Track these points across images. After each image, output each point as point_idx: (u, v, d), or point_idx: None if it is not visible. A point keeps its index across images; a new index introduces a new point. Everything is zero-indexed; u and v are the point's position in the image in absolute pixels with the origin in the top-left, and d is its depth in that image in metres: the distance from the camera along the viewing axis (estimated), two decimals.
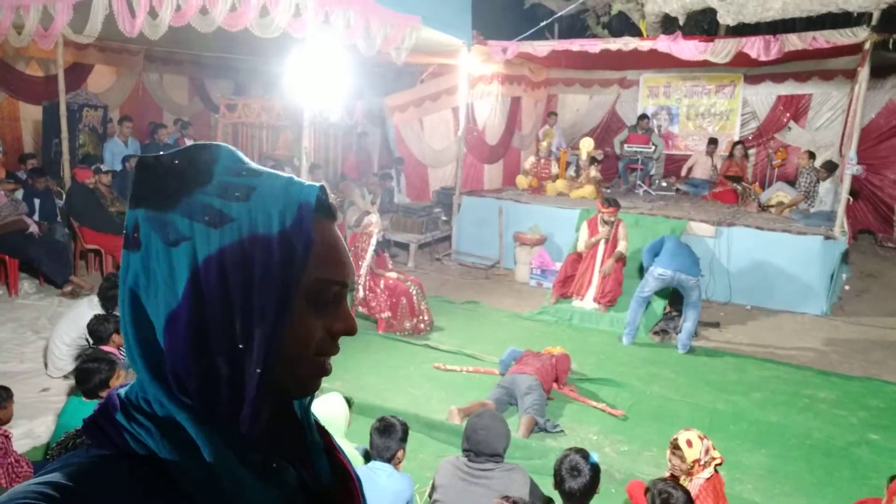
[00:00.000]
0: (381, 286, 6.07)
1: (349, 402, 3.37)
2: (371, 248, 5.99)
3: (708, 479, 2.98)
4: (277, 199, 0.63)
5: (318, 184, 0.69)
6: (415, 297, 6.04)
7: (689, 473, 3.01)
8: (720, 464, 3.03)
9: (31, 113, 9.36)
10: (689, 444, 3.01)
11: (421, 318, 6.07)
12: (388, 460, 2.92)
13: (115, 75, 10.75)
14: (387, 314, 6.02)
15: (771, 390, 5.16)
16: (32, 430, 4.05)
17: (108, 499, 0.57)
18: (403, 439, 2.95)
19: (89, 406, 3.38)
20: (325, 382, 4.67)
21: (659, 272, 5.98)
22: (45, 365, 4.83)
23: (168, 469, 0.61)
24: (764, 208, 8.63)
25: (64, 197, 7.18)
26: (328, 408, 3.11)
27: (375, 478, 2.80)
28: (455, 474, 2.75)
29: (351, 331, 0.70)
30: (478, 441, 2.78)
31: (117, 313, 4.30)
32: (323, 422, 2.60)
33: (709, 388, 5.18)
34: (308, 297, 0.65)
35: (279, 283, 0.62)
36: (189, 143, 9.28)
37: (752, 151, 10.63)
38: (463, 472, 2.75)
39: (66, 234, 6.92)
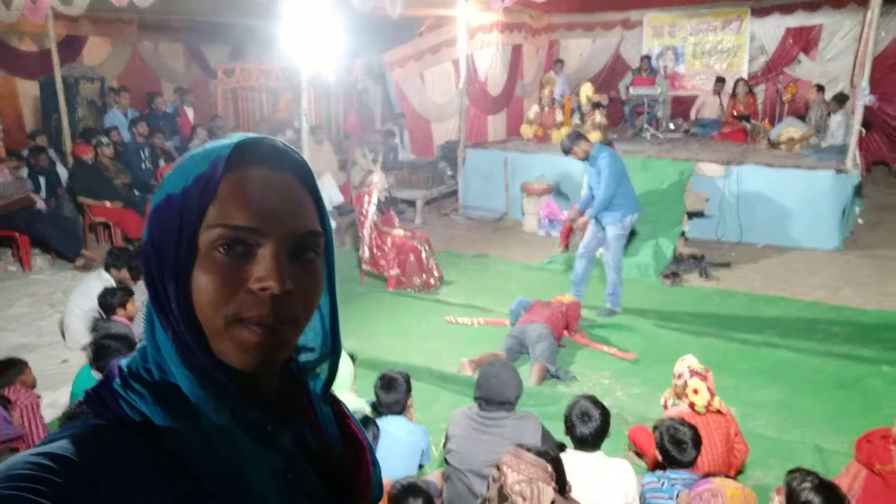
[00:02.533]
0: (389, 244, 6.06)
1: (353, 357, 3.42)
2: (372, 207, 5.96)
3: (701, 415, 3.00)
4: (196, 162, 0.65)
5: (248, 135, 0.68)
6: (423, 254, 6.04)
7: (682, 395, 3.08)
8: (707, 405, 3.04)
9: (29, 89, 9.28)
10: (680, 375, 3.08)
11: (430, 273, 6.08)
12: (400, 413, 2.97)
13: (110, 46, 10.60)
14: (396, 271, 6.04)
15: (783, 327, 5.15)
16: (56, 400, 4.14)
17: (103, 468, 0.57)
18: (408, 390, 3.01)
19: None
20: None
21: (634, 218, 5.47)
22: (63, 337, 4.92)
23: (163, 436, 0.61)
24: (774, 145, 8.47)
25: (67, 174, 7.18)
26: None
27: (390, 430, 2.85)
28: (468, 424, 2.79)
29: (266, 286, 0.62)
30: (489, 389, 2.81)
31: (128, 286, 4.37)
32: None
33: (720, 327, 5.18)
34: (213, 247, 0.63)
35: (176, 235, 0.62)
36: (189, 111, 9.22)
37: (760, 87, 10.38)
38: (476, 421, 2.79)
39: (73, 209, 6.95)
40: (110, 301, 4.02)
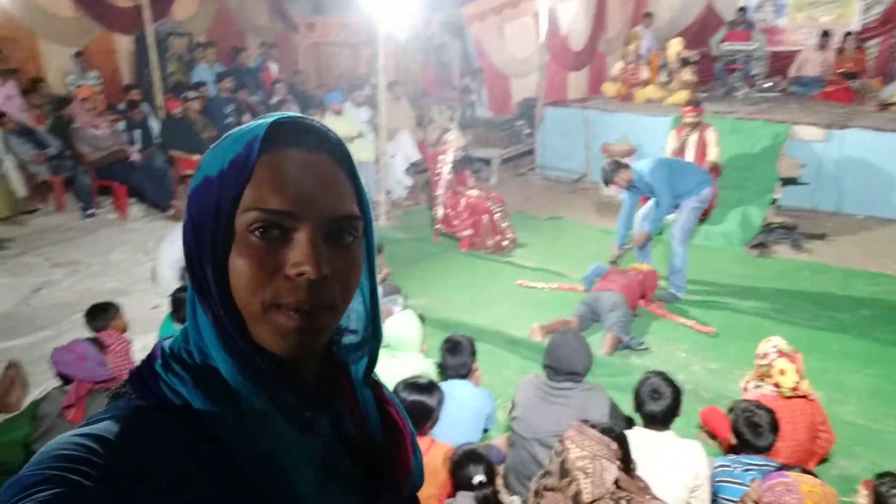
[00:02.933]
0: (463, 204, 6.03)
1: (422, 318, 3.44)
2: (447, 167, 5.91)
3: (787, 398, 2.85)
4: (232, 143, 0.64)
5: (284, 114, 0.66)
6: (496, 215, 5.97)
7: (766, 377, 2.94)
8: (795, 389, 2.87)
9: (124, 44, 9.66)
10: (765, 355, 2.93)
11: (504, 235, 6.03)
12: (465, 376, 2.99)
13: (199, 1, 10.85)
14: (469, 232, 6.01)
15: (881, 307, 4.81)
16: (147, 344, 4.40)
17: (143, 450, 0.58)
18: (473, 354, 3.01)
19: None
20: (410, 299, 4.83)
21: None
22: (154, 284, 5.21)
23: (202, 420, 0.61)
24: (885, 106, 7.77)
25: (159, 127, 7.49)
26: (401, 326, 3.18)
27: (454, 393, 2.87)
28: (535, 393, 2.77)
29: (302, 270, 0.61)
30: (558, 358, 2.77)
31: None
32: (396, 340, 2.64)
33: (810, 304, 4.89)
34: (249, 230, 0.62)
35: (213, 217, 0.62)
36: (273, 66, 9.36)
37: (874, 42, 9.48)
38: (542, 390, 2.76)
39: (164, 160, 7.27)
40: None
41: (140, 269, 5.69)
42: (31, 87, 7.47)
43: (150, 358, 0.66)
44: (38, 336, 4.27)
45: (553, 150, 8.61)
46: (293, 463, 0.64)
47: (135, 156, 7.04)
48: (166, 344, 0.67)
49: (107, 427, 0.58)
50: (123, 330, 3.56)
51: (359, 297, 0.75)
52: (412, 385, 2.53)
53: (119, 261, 5.87)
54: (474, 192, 6.13)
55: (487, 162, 8.48)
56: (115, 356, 3.13)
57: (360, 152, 7.22)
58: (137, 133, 7.39)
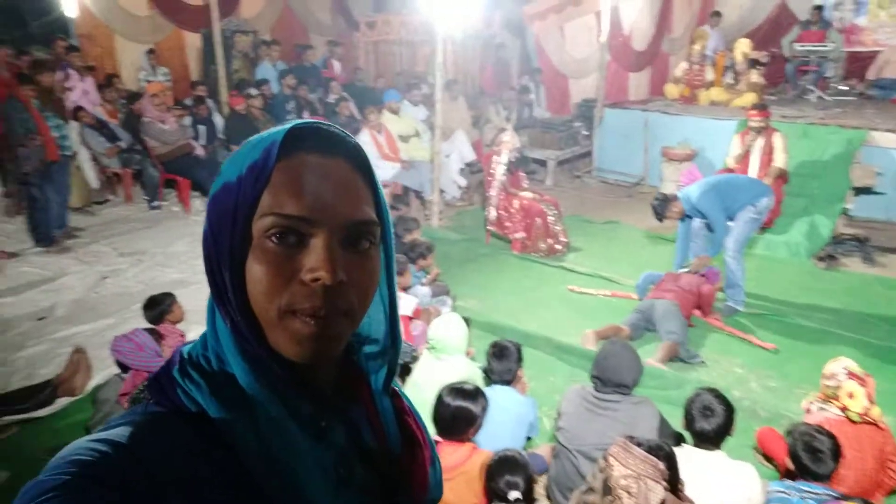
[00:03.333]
0: (516, 206, 5.97)
1: (467, 321, 3.42)
2: (501, 167, 5.87)
3: (855, 423, 2.70)
4: (251, 149, 0.64)
5: (302, 121, 0.66)
6: (550, 218, 5.90)
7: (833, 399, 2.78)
8: (864, 414, 2.71)
9: (194, 41, 9.99)
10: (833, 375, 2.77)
11: (556, 238, 5.94)
12: (509, 382, 2.95)
13: (265, 0, 11.13)
14: (521, 234, 5.95)
15: None
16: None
17: (158, 457, 0.58)
18: (519, 360, 2.97)
19: None
20: (460, 300, 4.82)
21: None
22: None
23: (218, 427, 0.61)
24: None
25: (223, 123, 7.72)
26: (446, 328, 3.17)
27: (498, 399, 2.83)
28: (580, 403, 2.72)
29: (318, 276, 0.61)
30: (606, 369, 2.71)
31: None
32: (441, 342, 2.61)
33: (882, 323, 4.62)
34: (266, 236, 0.62)
35: (230, 223, 0.63)
36: (336, 64, 9.50)
37: None
38: (588, 401, 2.70)
39: (227, 155, 7.48)
40: None
41: (200, 261, 5.84)
42: (107, 82, 7.82)
43: (170, 363, 0.67)
44: (102, 323, 4.47)
45: (611, 152, 8.44)
46: (306, 472, 0.63)
47: (199, 151, 7.28)
48: (185, 349, 0.68)
49: (122, 433, 0.59)
50: (179, 320, 3.67)
51: (379, 305, 0.75)
52: (457, 390, 2.52)
53: (181, 252, 6.07)
54: (528, 194, 6.07)
55: (543, 163, 8.39)
56: (169, 349, 3.24)
57: (415, 151, 7.26)
58: (202, 128, 7.63)
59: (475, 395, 2.51)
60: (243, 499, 0.61)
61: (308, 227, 0.62)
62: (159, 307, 3.53)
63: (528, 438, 3.10)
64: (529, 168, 8.34)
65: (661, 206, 4.79)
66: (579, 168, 8.79)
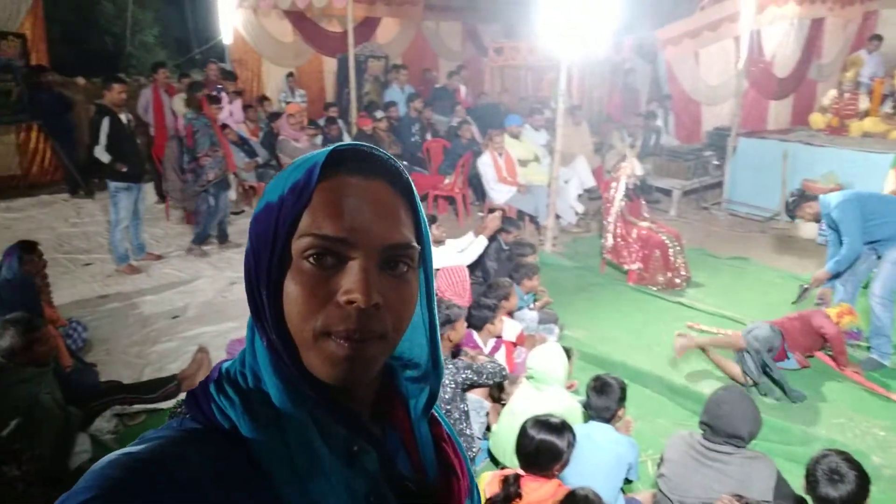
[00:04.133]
0: (634, 235, 5.74)
1: (568, 352, 3.29)
2: (619, 194, 5.66)
3: None
4: (294, 170, 0.65)
5: (346, 143, 0.66)
6: (670, 250, 5.60)
7: None
8: None
9: (332, 66, 10.66)
10: None
11: (676, 272, 5.63)
12: (608, 420, 2.80)
13: (399, 26, 11.64)
14: (638, 265, 5.70)
15: None
16: None
17: (190, 474, 0.58)
18: (622, 399, 2.81)
19: None
20: (567, 330, 4.68)
21: None
22: None
23: (250, 447, 0.61)
24: None
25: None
26: (545, 359, 3.07)
27: (595, 437, 2.70)
28: (686, 451, 2.52)
29: (353, 299, 0.60)
30: (717, 417, 2.49)
31: None
32: (540, 373, 2.54)
33: None
34: (304, 256, 0.62)
35: (270, 242, 0.63)
36: (462, 87, 9.72)
37: None
38: (695, 450, 2.50)
39: None
40: None
41: None
42: (259, 103, 8.49)
43: (208, 378, 0.67)
44: (226, 325, 4.78)
45: (744, 184, 7.91)
46: (335, 497, 0.62)
47: None
48: (224, 365, 0.68)
49: (154, 448, 0.59)
50: None
51: (420, 329, 0.74)
52: (542, 423, 2.42)
53: None
54: (647, 224, 5.81)
55: (668, 193, 8.02)
56: None
57: (532, 175, 7.21)
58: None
59: (561, 428, 2.40)
60: None
61: (345, 248, 0.62)
62: None
63: (629, 482, 2.93)
64: (653, 197, 8.00)
65: (795, 203, 4.50)
66: (707, 199, 8.32)
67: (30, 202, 7.85)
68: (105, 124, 5.42)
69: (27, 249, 3.63)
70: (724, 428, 2.48)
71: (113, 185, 5.61)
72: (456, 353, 3.65)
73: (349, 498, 0.63)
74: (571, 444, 2.42)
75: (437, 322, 0.75)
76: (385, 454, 0.70)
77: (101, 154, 5.44)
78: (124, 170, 5.52)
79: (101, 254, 6.27)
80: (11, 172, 8.27)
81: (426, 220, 0.71)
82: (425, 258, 0.71)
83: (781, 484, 2.45)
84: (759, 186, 7.73)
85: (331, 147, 0.65)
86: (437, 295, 3.84)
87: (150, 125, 7.66)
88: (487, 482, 2.52)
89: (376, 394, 0.73)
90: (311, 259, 0.62)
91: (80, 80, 9.30)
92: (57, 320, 3.70)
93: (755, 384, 3.97)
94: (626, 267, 5.81)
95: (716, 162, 8.22)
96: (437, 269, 4.85)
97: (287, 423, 0.62)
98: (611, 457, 2.69)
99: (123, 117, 5.58)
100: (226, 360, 0.70)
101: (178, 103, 7.16)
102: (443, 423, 0.79)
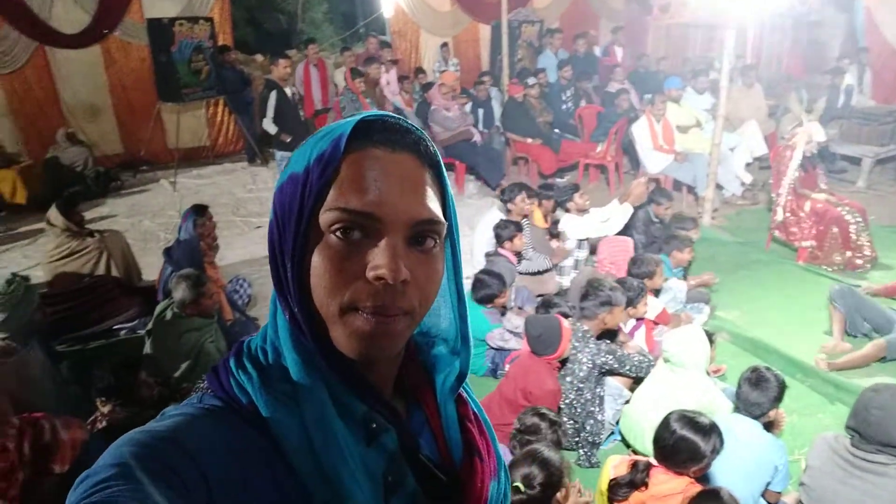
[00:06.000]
0: (807, 209, 5.12)
1: (710, 336, 3.02)
2: (793, 163, 5.05)
3: None
4: (319, 140, 0.63)
5: (372, 112, 0.63)
6: (851, 226, 4.93)
7: None
8: None
9: (486, 33, 10.61)
10: None
11: (858, 251, 4.95)
12: (757, 417, 2.53)
13: None
14: (810, 243, 5.10)
15: None
16: None
17: (209, 451, 0.58)
18: (777, 399, 2.51)
19: (476, 307, 3.84)
20: (721, 310, 4.34)
21: None
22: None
23: (267, 423, 0.61)
24: None
25: (501, 110, 8.05)
26: (683, 342, 2.85)
27: (737, 432, 2.47)
28: (831, 457, 2.22)
29: (380, 274, 0.59)
30: (867, 421, 2.16)
31: (516, 218, 4.71)
32: (676, 356, 2.38)
33: None
34: (331, 230, 0.61)
35: (296, 215, 0.62)
36: (619, 50, 9.24)
37: None
38: (842, 457, 2.20)
39: (501, 142, 7.81)
40: (500, 233, 4.42)
41: (464, 241, 6.23)
42: (415, 74, 8.72)
43: (230, 354, 0.68)
44: None
45: None
46: (350, 475, 0.61)
47: (476, 137, 7.70)
48: (247, 340, 0.69)
49: (173, 426, 0.59)
50: None
51: (449, 303, 0.72)
52: (687, 420, 2.22)
53: None
54: (823, 197, 5.16)
55: (857, 161, 7.04)
56: None
57: (692, 143, 6.69)
58: (480, 113, 8.05)
59: (708, 430, 2.18)
60: (288, 496, 0.60)
61: (373, 223, 0.61)
62: None
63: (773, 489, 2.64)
64: (836, 167, 7.09)
65: None
66: None
67: (215, 170, 8.78)
68: (272, 98, 5.88)
69: (199, 213, 4.06)
70: (875, 436, 2.15)
71: (279, 153, 6.09)
72: (613, 334, 3.52)
73: (366, 475, 0.63)
74: (717, 451, 2.20)
75: (465, 296, 0.73)
76: (407, 433, 0.69)
77: (269, 125, 5.93)
78: (288, 140, 5.96)
79: None
80: (201, 143, 9.28)
81: (452, 194, 0.68)
82: (452, 234, 0.70)
83: None
84: None
85: (358, 116, 0.64)
86: (596, 268, 3.65)
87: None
88: (615, 465, 2.43)
89: (403, 371, 0.72)
90: (338, 233, 0.61)
91: (259, 57, 10.16)
92: (217, 280, 4.10)
93: None
94: (796, 244, 5.23)
95: None
96: (600, 239, 4.70)
97: (304, 399, 0.62)
98: (753, 456, 2.44)
99: (288, 91, 6.01)
100: (250, 336, 0.70)
101: (339, 76, 7.56)
102: (470, 403, 0.77)
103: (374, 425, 0.65)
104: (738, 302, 4.60)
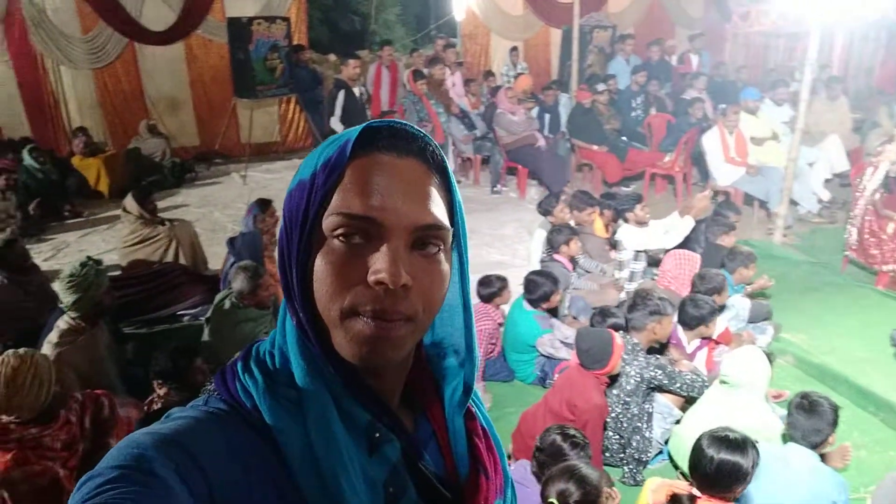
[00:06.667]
0: (890, 231, 4.81)
1: (770, 357, 2.88)
2: (873, 182, 4.76)
3: None
4: (327, 146, 0.64)
5: (379, 119, 0.63)
6: None
7: None
8: None
9: (558, 38, 10.49)
10: None
11: None
12: (813, 446, 2.40)
13: None
14: (891, 267, 4.79)
15: None
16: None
17: (212, 454, 0.58)
18: (832, 424, 2.38)
19: (527, 312, 3.80)
20: (786, 332, 4.13)
21: None
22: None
23: (271, 432, 0.61)
24: None
25: (567, 115, 7.94)
26: (741, 363, 2.72)
27: (792, 462, 2.35)
28: None
29: (381, 279, 0.59)
30: None
31: (570, 223, 4.63)
32: (734, 378, 2.28)
33: None
34: (333, 235, 0.61)
35: (302, 219, 0.62)
36: (694, 58, 8.94)
37: None
38: None
39: (566, 148, 7.70)
40: (555, 237, 4.36)
41: (522, 246, 6.20)
42: (485, 77, 8.73)
43: (238, 356, 0.68)
44: None
45: None
46: (350, 484, 0.60)
47: (541, 142, 7.63)
48: (256, 344, 0.69)
49: (177, 428, 0.60)
50: (505, 302, 3.91)
51: (458, 312, 0.71)
52: (721, 440, 2.14)
53: (508, 235, 6.47)
54: None
55: None
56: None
57: (767, 156, 6.42)
58: (547, 118, 7.96)
59: (743, 445, 2.11)
60: (287, 501, 0.60)
61: (374, 228, 0.61)
62: (492, 288, 3.80)
63: None
64: None
65: None
66: None
67: (284, 165, 9.03)
68: (340, 97, 6.02)
69: (262, 208, 4.19)
70: None
71: None
72: (662, 348, 3.43)
73: (366, 485, 0.62)
74: (756, 463, 2.12)
75: (472, 305, 0.72)
76: (412, 444, 0.68)
77: (336, 124, 6.06)
78: None
79: None
80: (273, 139, 9.58)
81: (460, 200, 0.67)
82: (460, 241, 0.69)
83: None
84: None
85: (364, 124, 0.64)
86: (656, 282, 3.53)
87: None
88: (653, 488, 2.35)
89: (412, 383, 0.71)
90: (340, 238, 0.61)
91: (332, 57, 10.40)
92: (275, 273, 4.21)
93: None
94: (875, 267, 4.93)
95: None
96: (667, 251, 4.58)
97: (307, 405, 0.62)
98: (809, 489, 2.31)
99: (357, 91, 6.13)
100: (260, 340, 0.71)
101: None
102: (479, 418, 0.75)
103: (377, 434, 0.65)
104: (806, 325, 4.37)
